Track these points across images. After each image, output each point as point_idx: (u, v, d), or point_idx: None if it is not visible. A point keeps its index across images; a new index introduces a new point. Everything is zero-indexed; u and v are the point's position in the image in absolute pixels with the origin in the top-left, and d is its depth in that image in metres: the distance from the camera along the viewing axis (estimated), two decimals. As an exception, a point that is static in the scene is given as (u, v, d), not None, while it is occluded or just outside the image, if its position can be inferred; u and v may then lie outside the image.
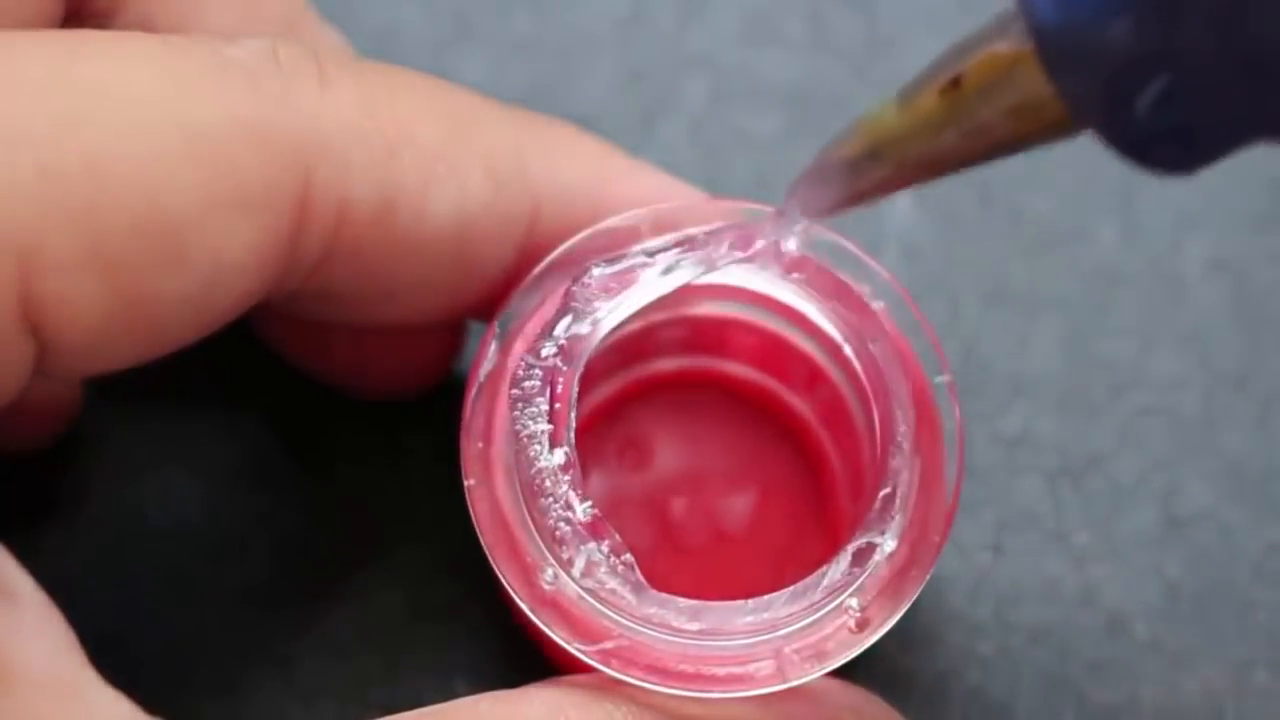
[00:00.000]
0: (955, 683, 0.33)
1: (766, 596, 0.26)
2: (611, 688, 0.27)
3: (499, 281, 0.29)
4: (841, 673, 0.28)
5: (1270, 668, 0.33)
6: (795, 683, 0.27)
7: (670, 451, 0.32)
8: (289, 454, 0.35)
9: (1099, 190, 0.37)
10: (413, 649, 0.33)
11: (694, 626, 0.26)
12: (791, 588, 0.27)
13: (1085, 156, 0.37)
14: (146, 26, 0.29)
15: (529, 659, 0.32)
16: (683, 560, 0.31)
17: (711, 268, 0.28)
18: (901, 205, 0.37)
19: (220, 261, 0.25)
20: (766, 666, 0.27)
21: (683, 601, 0.27)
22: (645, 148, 0.37)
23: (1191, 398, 0.35)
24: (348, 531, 0.34)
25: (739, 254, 0.28)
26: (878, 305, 0.28)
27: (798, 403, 0.32)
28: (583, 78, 0.38)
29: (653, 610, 0.26)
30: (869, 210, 0.37)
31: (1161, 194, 0.37)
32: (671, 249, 0.28)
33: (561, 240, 0.29)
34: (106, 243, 0.24)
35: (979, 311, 0.36)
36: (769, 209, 0.29)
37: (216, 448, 0.35)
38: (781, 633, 0.27)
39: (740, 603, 0.26)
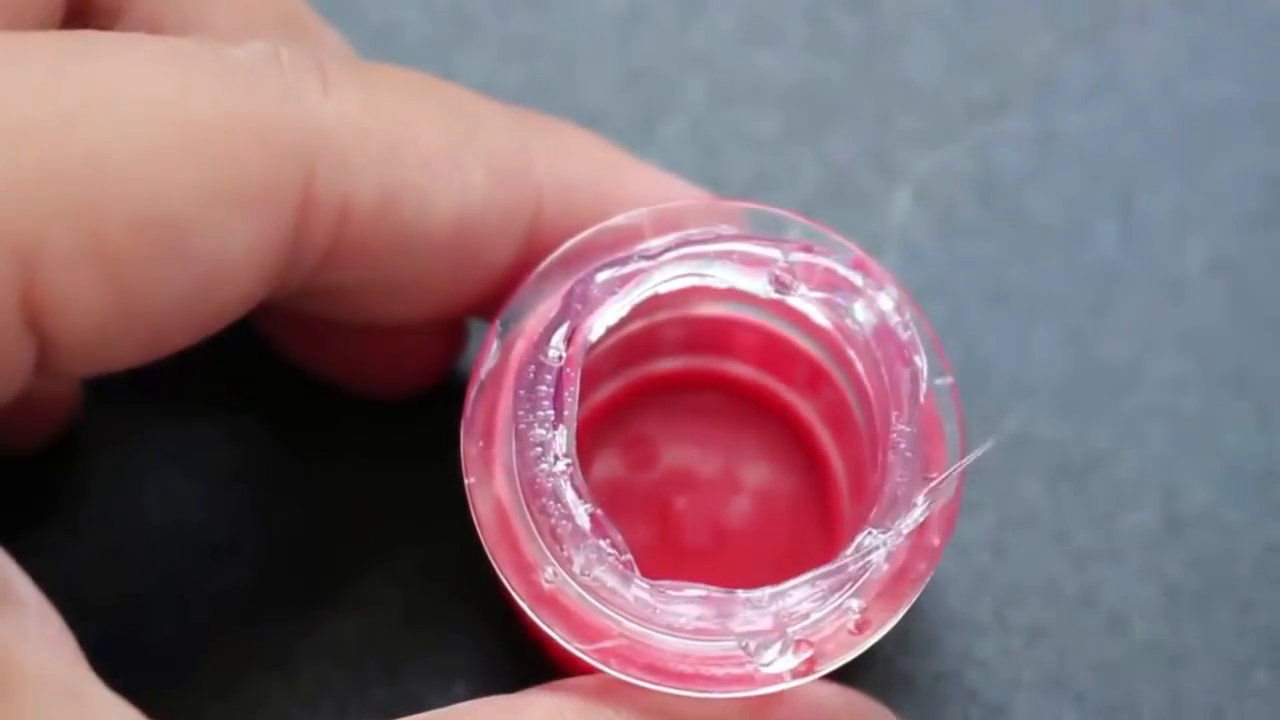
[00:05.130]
0: (955, 683, 0.33)
1: (765, 595, 0.26)
2: (613, 691, 0.27)
3: (501, 279, 0.29)
4: (841, 675, 0.28)
5: (1270, 668, 0.34)
6: (795, 683, 0.27)
7: (672, 451, 0.32)
8: (289, 454, 0.35)
9: (1099, 190, 0.37)
10: (414, 650, 0.33)
11: (693, 626, 0.26)
12: (789, 585, 0.26)
13: (1085, 157, 0.37)
14: (151, 28, 0.29)
15: (531, 660, 0.32)
16: (684, 559, 0.31)
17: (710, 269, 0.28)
18: (901, 205, 0.37)
19: (222, 260, 0.25)
20: None
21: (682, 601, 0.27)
22: (645, 148, 0.37)
23: (1191, 398, 0.35)
24: (349, 532, 0.34)
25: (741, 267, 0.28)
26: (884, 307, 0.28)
27: (800, 403, 0.32)
28: (583, 77, 0.38)
29: (652, 609, 0.26)
30: (870, 210, 0.37)
31: (1161, 194, 0.37)
32: (671, 250, 0.28)
33: (564, 238, 0.29)
34: (108, 240, 0.24)
35: (979, 311, 0.36)
36: (770, 209, 0.29)
37: (216, 448, 0.35)
38: None
39: (741, 602, 0.26)
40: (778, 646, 0.26)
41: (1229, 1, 0.38)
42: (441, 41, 0.38)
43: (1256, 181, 0.37)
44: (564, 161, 0.30)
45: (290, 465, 0.34)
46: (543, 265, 0.29)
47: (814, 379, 0.31)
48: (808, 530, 0.31)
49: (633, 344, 0.31)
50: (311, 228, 0.26)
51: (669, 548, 0.31)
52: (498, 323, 0.28)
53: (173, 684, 0.33)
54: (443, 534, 0.34)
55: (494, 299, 0.29)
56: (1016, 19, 0.38)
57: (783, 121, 0.38)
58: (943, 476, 0.27)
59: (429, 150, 0.28)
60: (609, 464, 0.32)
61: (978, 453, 0.27)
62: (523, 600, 0.27)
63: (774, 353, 0.31)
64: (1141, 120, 0.37)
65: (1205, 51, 0.38)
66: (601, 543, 0.26)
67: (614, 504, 0.31)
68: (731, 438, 0.32)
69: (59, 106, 0.24)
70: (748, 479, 0.32)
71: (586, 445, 0.31)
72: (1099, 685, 0.33)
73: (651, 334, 0.31)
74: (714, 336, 0.31)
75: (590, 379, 0.31)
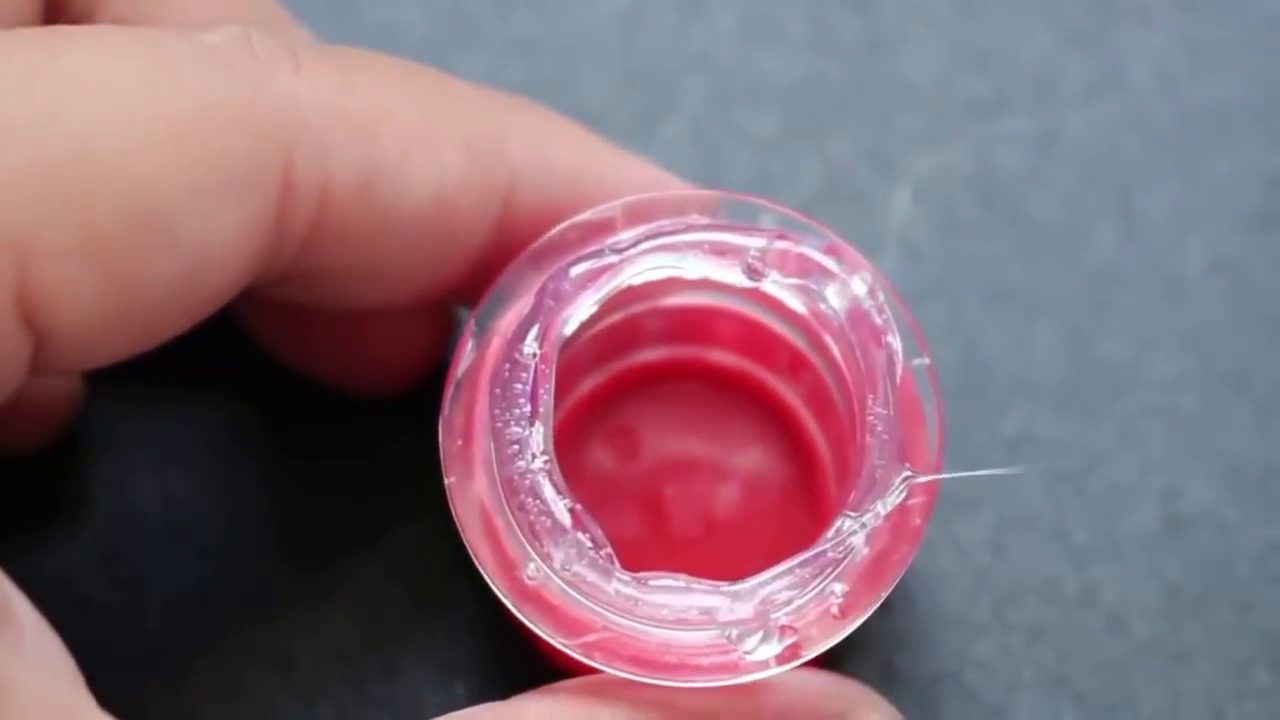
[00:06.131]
0: (954, 683, 0.33)
1: (746, 583, 0.26)
2: (606, 689, 0.27)
3: (476, 260, 0.29)
4: (838, 671, 0.28)
5: (1270, 668, 0.33)
6: (780, 670, 0.27)
7: (658, 441, 0.32)
8: (290, 454, 0.35)
9: (1099, 190, 0.37)
10: (413, 647, 0.33)
11: (675, 617, 0.26)
12: (770, 573, 0.27)
13: (1085, 157, 0.37)
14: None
15: (532, 656, 0.32)
16: (673, 549, 0.31)
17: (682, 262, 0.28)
18: (901, 205, 0.37)
19: (210, 246, 0.26)
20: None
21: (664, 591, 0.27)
22: (645, 147, 0.37)
23: (1191, 398, 0.35)
24: (348, 530, 0.34)
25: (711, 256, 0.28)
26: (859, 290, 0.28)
27: (784, 389, 0.32)
28: (583, 77, 0.38)
29: (634, 602, 0.26)
30: (870, 210, 0.37)
31: (1161, 194, 0.37)
32: (643, 243, 0.28)
33: (538, 219, 0.29)
34: (98, 231, 0.24)
35: (979, 311, 0.36)
36: (743, 197, 0.29)
37: (216, 448, 0.35)
38: None
39: (722, 591, 0.26)
40: (760, 634, 0.26)
41: (1229, 1, 0.38)
42: (442, 42, 0.38)
43: (1256, 181, 0.37)
44: (541, 142, 0.30)
45: (290, 464, 0.35)
46: (516, 261, 0.29)
47: (795, 364, 0.31)
48: (796, 515, 0.31)
49: (613, 336, 0.31)
50: (293, 210, 0.27)
51: (658, 538, 0.31)
52: (473, 320, 0.29)
53: (172, 682, 0.33)
54: (445, 532, 0.34)
55: (470, 281, 0.29)
56: (1016, 19, 0.38)
57: (783, 121, 0.38)
58: (928, 478, 0.27)
59: (405, 130, 0.28)
60: (595, 457, 0.32)
61: (981, 472, 0.27)
62: (506, 597, 0.27)
63: (754, 340, 0.31)
64: (1141, 120, 0.37)
65: (1205, 51, 0.38)
66: (580, 536, 0.26)
67: (601, 496, 0.31)
68: (717, 425, 0.32)
69: (42, 102, 0.24)
70: (734, 466, 0.32)
71: (571, 438, 0.31)
72: (1099, 685, 0.33)
73: (631, 325, 0.31)
74: (694, 326, 0.31)
75: (572, 372, 0.31)
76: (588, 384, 0.32)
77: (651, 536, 0.31)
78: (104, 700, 0.25)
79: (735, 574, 0.27)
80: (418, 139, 0.28)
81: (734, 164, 0.37)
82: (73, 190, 0.24)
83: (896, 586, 0.27)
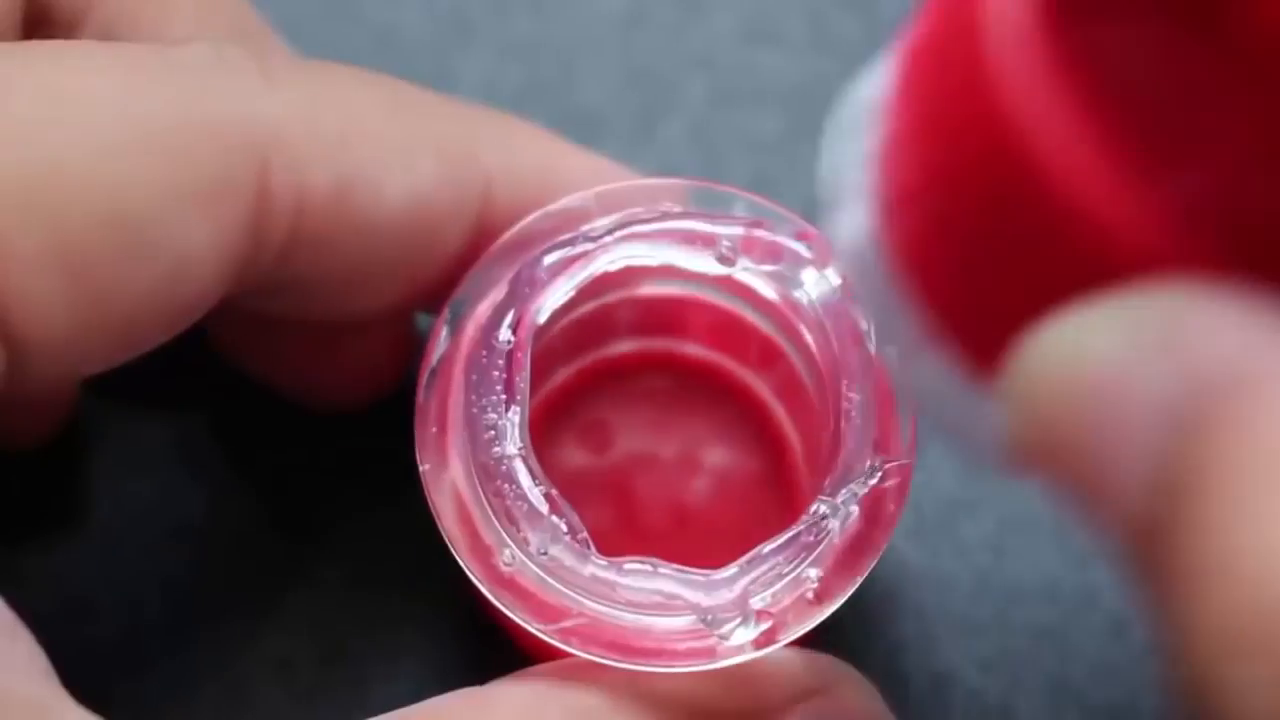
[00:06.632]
0: (956, 684, 0.33)
1: (723, 569, 0.26)
2: (581, 671, 0.27)
3: (452, 267, 0.30)
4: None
5: (1272, 668, 0.33)
6: (757, 654, 0.27)
7: (630, 434, 0.32)
8: (290, 454, 0.35)
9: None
10: (415, 649, 0.33)
11: (651, 601, 0.26)
12: (746, 558, 0.27)
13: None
14: (106, 40, 0.30)
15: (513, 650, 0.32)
16: (646, 542, 0.31)
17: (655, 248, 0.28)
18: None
19: (184, 255, 0.26)
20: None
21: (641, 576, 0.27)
22: (645, 148, 0.37)
23: (1192, 398, 0.35)
24: (349, 532, 0.34)
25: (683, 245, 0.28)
26: (833, 279, 0.28)
27: (754, 380, 0.32)
28: (583, 78, 0.38)
29: (610, 586, 0.26)
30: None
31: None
32: (616, 230, 0.28)
33: (514, 222, 0.29)
34: (71, 241, 0.25)
35: (980, 312, 0.36)
36: (713, 186, 0.29)
37: (217, 448, 0.35)
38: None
39: (699, 576, 0.26)
40: (737, 619, 0.26)
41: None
42: (441, 43, 0.38)
43: (1258, 181, 0.37)
44: (510, 146, 0.30)
45: (292, 466, 0.35)
46: (490, 250, 0.29)
47: (766, 354, 0.31)
48: (768, 507, 0.31)
49: (585, 327, 0.31)
50: (269, 220, 0.27)
51: (630, 531, 0.31)
52: (447, 309, 0.29)
53: (172, 683, 0.33)
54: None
55: (447, 290, 0.30)
56: (1017, 19, 0.38)
57: (783, 122, 0.38)
58: (902, 462, 0.27)
59: (378, 138, 0.28)
60: (567, 450, 0.32)
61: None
62: (482, 584, 0.27)
63: (726, 330, 0.31)
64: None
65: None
66: (556, 520, 0.26)
67: (573, 489, 0.31)
68: (687, 419, 0.32)
69: (16, 113, 0.25)
70: (705, 459, 0.32)
71: (543, 431, 0.31)
72: (1100, 686, 0.33)
73: (604, 316, 0.31)
74: (666, 317, 0.32)
75: (544, 364, 0.31)
76: (560, 376, 0.32)
77: (624, 529, 0.31)
78: (102, 700, 0.25)
79: (709, 566, 0.27)
80: (390, 147, 0.28)
81: (734, 165, 0.37)
82: (45, 200, 0.24)
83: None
